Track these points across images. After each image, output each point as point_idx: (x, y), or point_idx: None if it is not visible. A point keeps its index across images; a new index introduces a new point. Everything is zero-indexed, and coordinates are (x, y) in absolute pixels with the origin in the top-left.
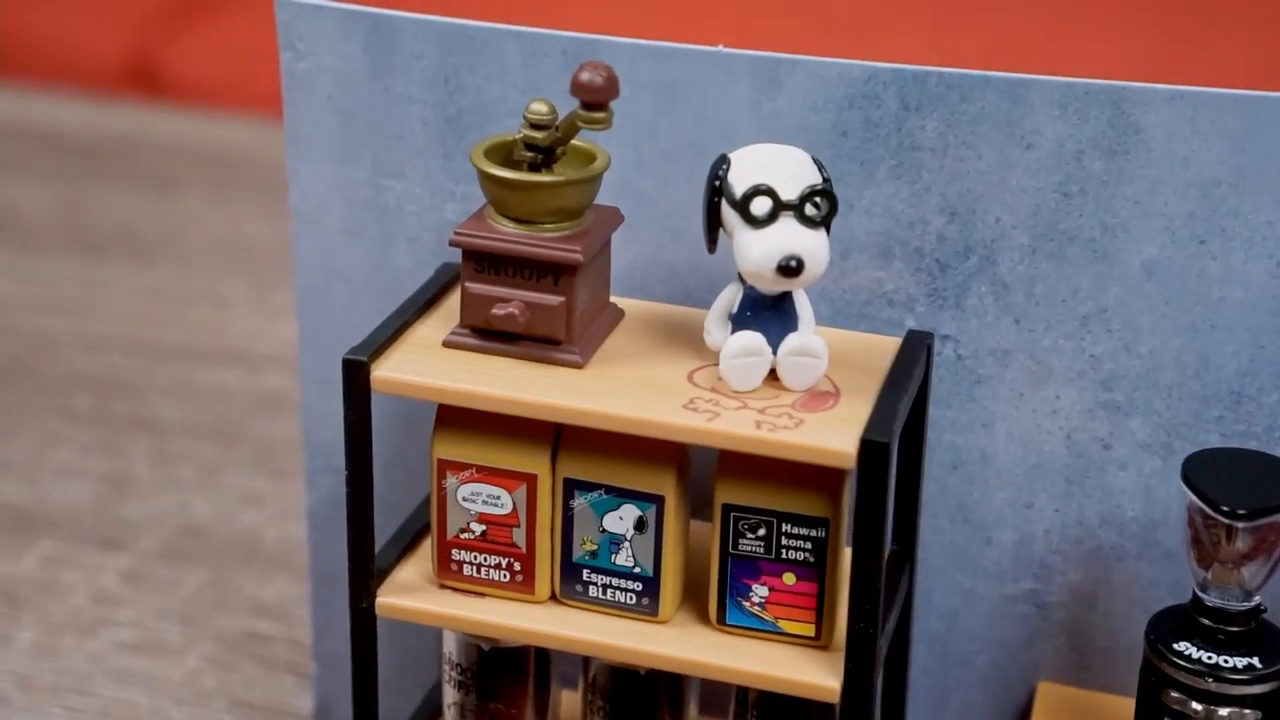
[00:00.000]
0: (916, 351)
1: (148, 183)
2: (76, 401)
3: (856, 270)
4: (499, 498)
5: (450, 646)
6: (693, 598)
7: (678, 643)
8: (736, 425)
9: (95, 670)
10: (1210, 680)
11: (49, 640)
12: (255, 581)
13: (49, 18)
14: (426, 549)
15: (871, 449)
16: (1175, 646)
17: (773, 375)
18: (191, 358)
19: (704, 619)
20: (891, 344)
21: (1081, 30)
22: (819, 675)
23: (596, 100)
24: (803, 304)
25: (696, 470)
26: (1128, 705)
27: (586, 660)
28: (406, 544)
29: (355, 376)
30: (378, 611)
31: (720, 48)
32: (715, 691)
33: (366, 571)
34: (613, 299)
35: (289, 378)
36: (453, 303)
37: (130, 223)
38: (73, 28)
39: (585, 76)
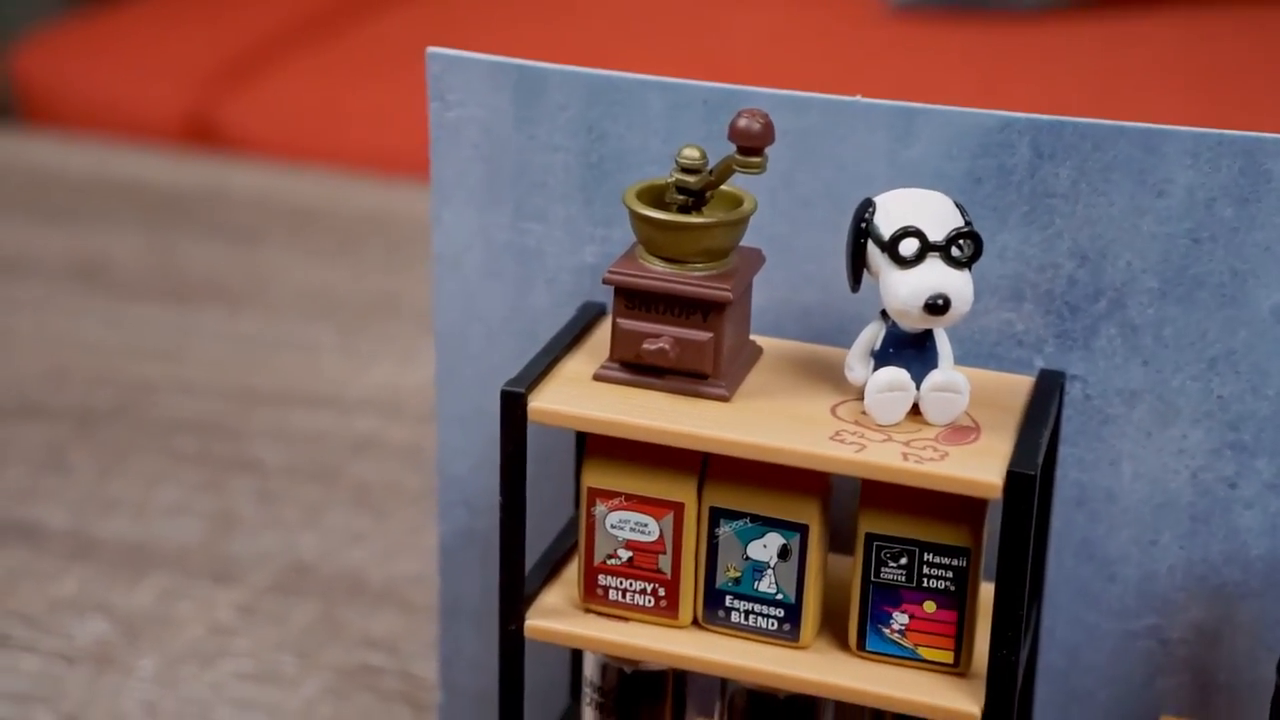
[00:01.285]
0: (1050, 390)
1: (229, 233)
2: (178, 444)
3: (988, 312)
4: (646, 525)
5: (591, 670)
6: (831, 626)
7: (819, 667)
8: (884, 457)
9: (217, 699)
10: None
11: (170, 670)
12: (363, 616)
13: (109, 73)
14: (568, 576)
15: (1017, 480)
16: None
17: (914, 411)
18: (285, 402)
19: (843, 645)
20: (1025, 383)
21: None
22: (960, 701)
23: (753, 145)
24: (943, 342)
25: (833, 500)
26: None
27: (724, 685)
28: (549, 571)
29: (513, 408)
30: (526, 634)
31: (858, 98)
32: (850, 715)
33: (517, 596)
34: (751, 337)
35: (381, 420)
36: (597, 340)
37: (216, 272)
38: (132, 83)
39: (743, 123)
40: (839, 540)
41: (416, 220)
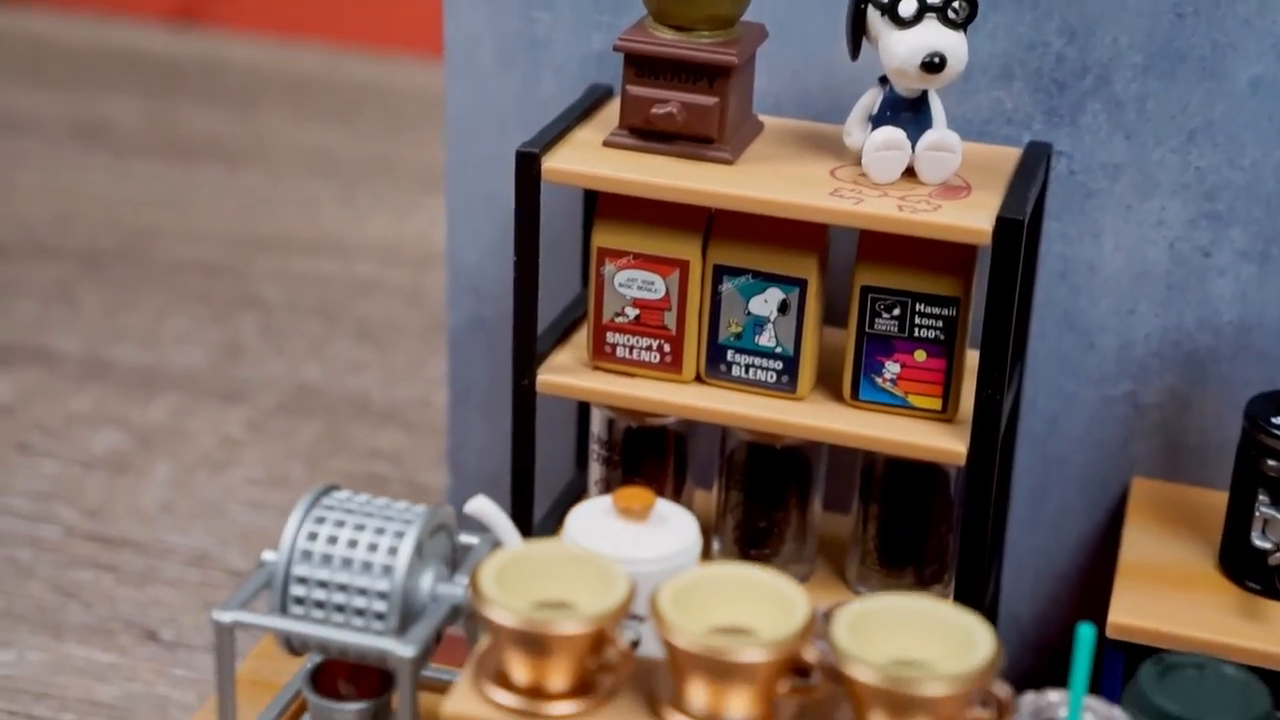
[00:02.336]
0: (1038, 159)
1: (227, 100)
2: (184, 282)
3: (978, 91)
4: (653, 283)
5: (598, 427)
6: (826, 382)
7: (815, 415)
8: (881, 208)
9: (229, 500)
10: None
11: (184, 475)
12: (369, 433)
13: None
14: (577, 340)
15: (1006, 225)
16: (1274, 420)
17: (908, 173)
18: (287, 248)
19: (838, 397)
20: (1013, 153)
21: None
22: (947, 441)
23: None
24: (937, 106)
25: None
26: (1218, 497)
27: (724, 441)
28: (559, 336)
29: (528, 168)
30: (538, 389)
31: None
32: (841, 474)
33: (530, 353)
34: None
35: (381, 265)
36: (605, 115)
37: (215, 134)
38: None
39: None
40: (831, 312)
41: (413, 90)
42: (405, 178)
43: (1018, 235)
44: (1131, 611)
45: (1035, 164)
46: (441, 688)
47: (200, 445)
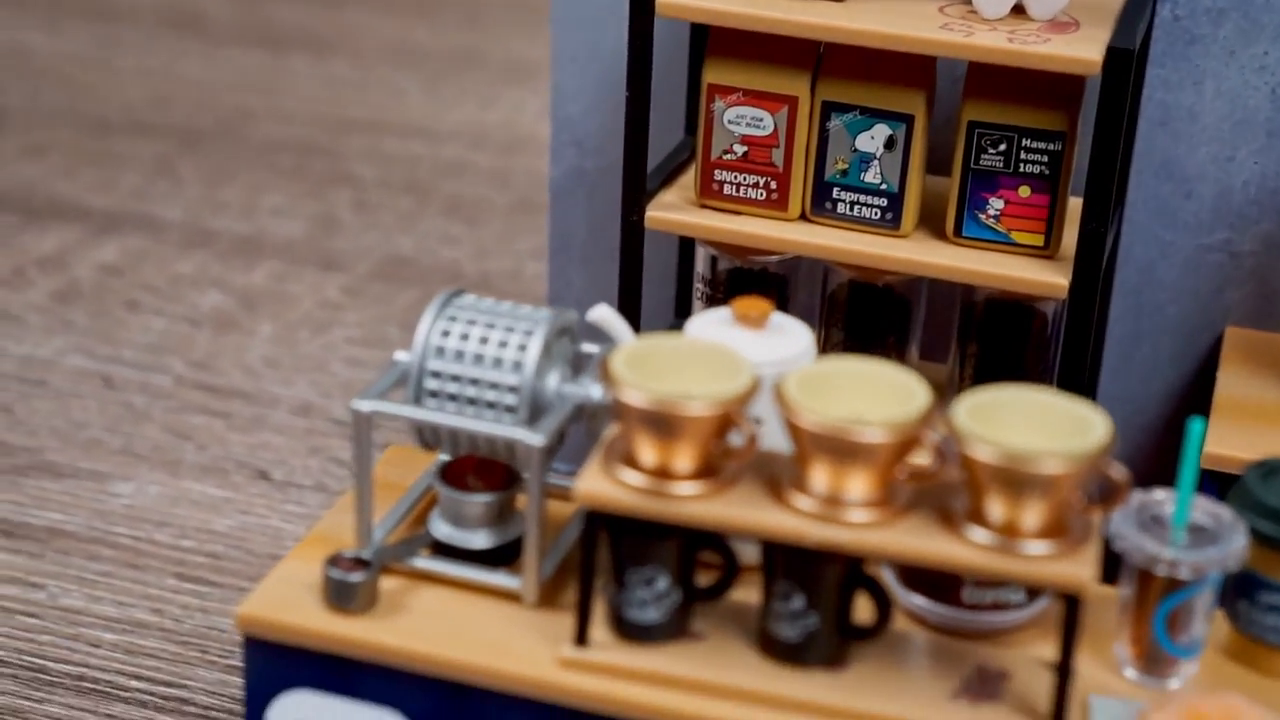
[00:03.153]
0: (1143, 1)
1: None
2: (278, 160)
3: None
4: (761, 120)
5: (702, 265)
6: (929, 223)
7: (919, 250)
8: (990, 40)
9: (330, 357)
10: None
11: (286, 333)
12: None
13: None
14: (683, 181)
15: (1117, 55)
16: None
17: (1017, 9)
18: (376, 130)
19: (941, 235)
20: None
21: None
22: (1049, 275)
23: None
24: None
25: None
26: None
27: (825, 281)
28: (666, 176)
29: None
30: (646, 224)
31: None
32: (939, 320)
33: (639, 188)
34: None
35: (468, 148)
36: None
37: (304, 25)
38: None
39: None
40: (930, 160)
41: None
42: (487, 69)
43: (1127, 65)
44: (1227, 443)
45: (1142, 4)
46: (562, 493)
47: (301, 307)
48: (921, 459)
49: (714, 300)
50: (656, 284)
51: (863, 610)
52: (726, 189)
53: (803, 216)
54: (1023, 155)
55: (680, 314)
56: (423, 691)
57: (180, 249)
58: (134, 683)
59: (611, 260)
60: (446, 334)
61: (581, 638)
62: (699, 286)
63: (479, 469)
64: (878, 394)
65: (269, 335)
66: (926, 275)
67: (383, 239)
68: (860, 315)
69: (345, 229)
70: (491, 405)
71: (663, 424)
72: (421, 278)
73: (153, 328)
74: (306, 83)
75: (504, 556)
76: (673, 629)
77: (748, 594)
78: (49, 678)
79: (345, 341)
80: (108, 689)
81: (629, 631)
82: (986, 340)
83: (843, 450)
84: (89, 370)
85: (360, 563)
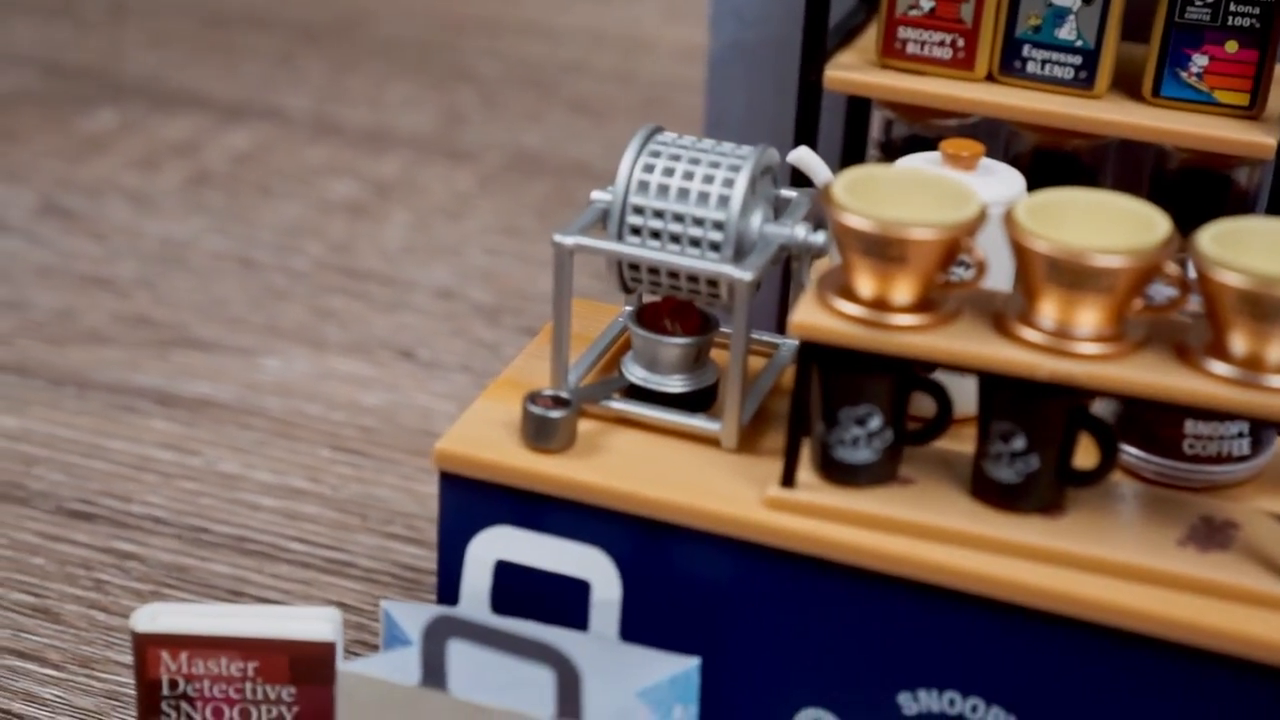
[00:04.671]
0: None
1: None
2: (399, 55)
3: None
4: None
5: (877, 130)
6: (1124, 83)
7: (1115, 110)
8: None
9: (466, 244)
10: None
11: (422, 221)
12: (594, 190)
13: None
14: (860, 44)
15: None
16: None
17: None
18: (495, 29)
19: (1136, 95)
20: None
21: None
22: (1256, 134)
23: None
24: None
25: None
26: None
27: (1008, 145)
28: (844, 36)
29: None
30: (825, 85)
31: None
32: (1127, 186)
33: (819, 47)
34: None
35: (587, 48)
36: None
37: None
38: None
39: None
40: (1126, 23)
41: None
42: None
43: None
44: None
45: None
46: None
47: (434, 196)
48: (1159, 290)
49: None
50: (821, 156)
51: (1081, 455)
52: (910, 47)
53: (989, 77)
54: (1232, 7)
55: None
56: (624, 530)
57: (308, 138)
58: (295, 545)
59: (769, 136)
60: (650, 169)
61: (789, 478)
62: (873, 153)
63: (675, 313)
64: (1113, 223)
65: (403, 222)
66: (1122, 136)
67: (509, 133)
68: (1045, 182)
69: (471, 123)
70: (696, 242)
71: (886, 251)
72: (553, 171)
73: (287, 212)
74: None
75: (698, 402)
76: (883, 471)
77: (955, 441)
78: (211, 538)
79: (480, 230)
80: (270, 550)
81: (838, 472)
82: (1179, 209)
83: (1078, 278)
84: (227, 251)
85: (559, 400)
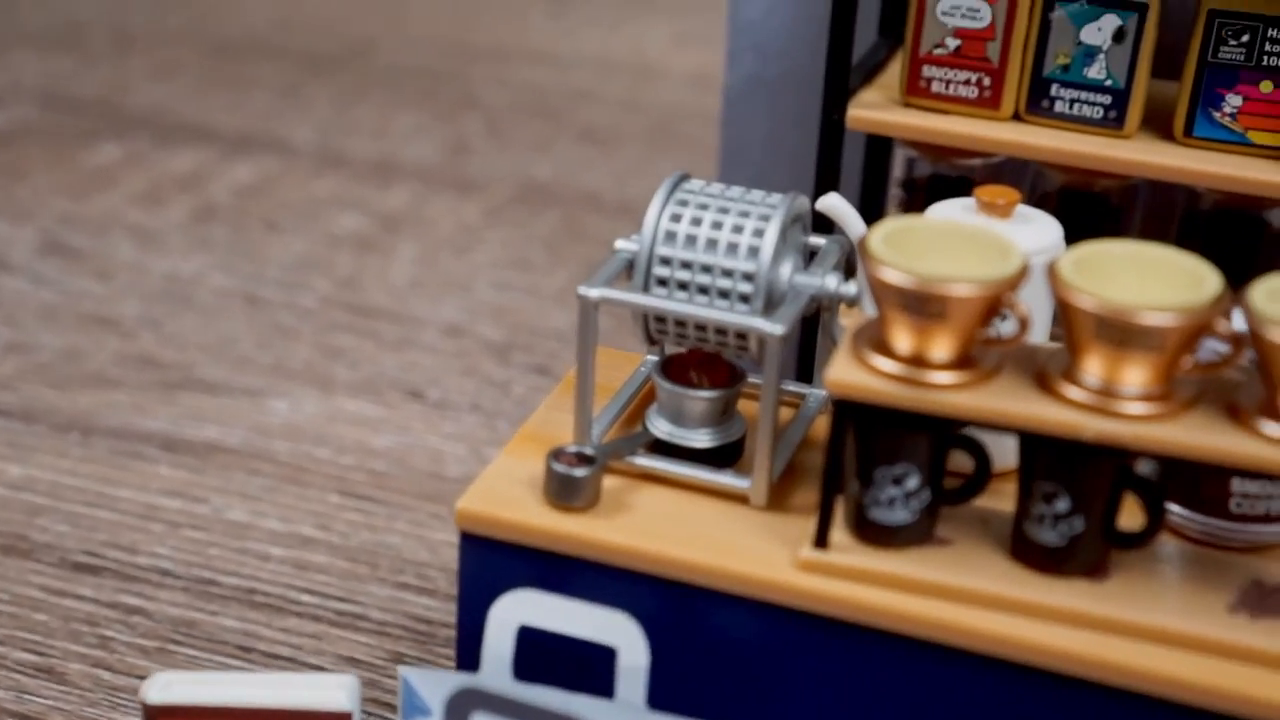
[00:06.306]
0: None
1: None
2: (405, 84)
3: None
4: (978, 10)
5: (899, 170)
6: (1154, 123)
7: (1145, 151)
8: None
9: (476, 279)
10: None
11: (429, 255)
12: (605, 224)
13: None
14: (886, 81)
15: None
16: None
17: None
18: (502, 57)
19: (1167, 135)
20: None
21: None
22: None
23: None
24: None
25: None
26: None
27: (1035, 185)
28: (868, 74)
29: None
30: (848, 125)
31: None
32: (1156, 228)
33: (842, 87)
34: None
35: (596, 76)
36: None
37: None
38: None
39: None
40: (1156, 61)
41: None
42: None
43: None
44: None
45: None
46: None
47: (441, 230)
48: (1209, 349)
49: (911, 207)
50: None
51: (1126, 515)
52: (935, 86)
53: (1016, 116)
54: (1267, 47)
55: (869, 221)
56: (651, 592)
57: (314, 170)
58: (305, 597)
59: (788, 172)
60: (677, 219)
61: (822, 538)
62: (895, 192)
63: (701, 365)
64: (1161, 278)
65: (411, 257)
66: (1152, 178)
67: (518, 164)
68: (1073, 223)
69: (479, 153)
70: (725, 294)
71: (926, 307)
72: (560, 202)
73: (293, 247)
74: (427, 9)
75: (725, 457)
76: (920, 531)
77: (993, 499)
78: (219, 591)
79: (489, 264)
80: (279, 603)
81: (873, 533)
82: (1211, 252)
83: (1126, 336)
84: (233, 288)
85: (584, 457)
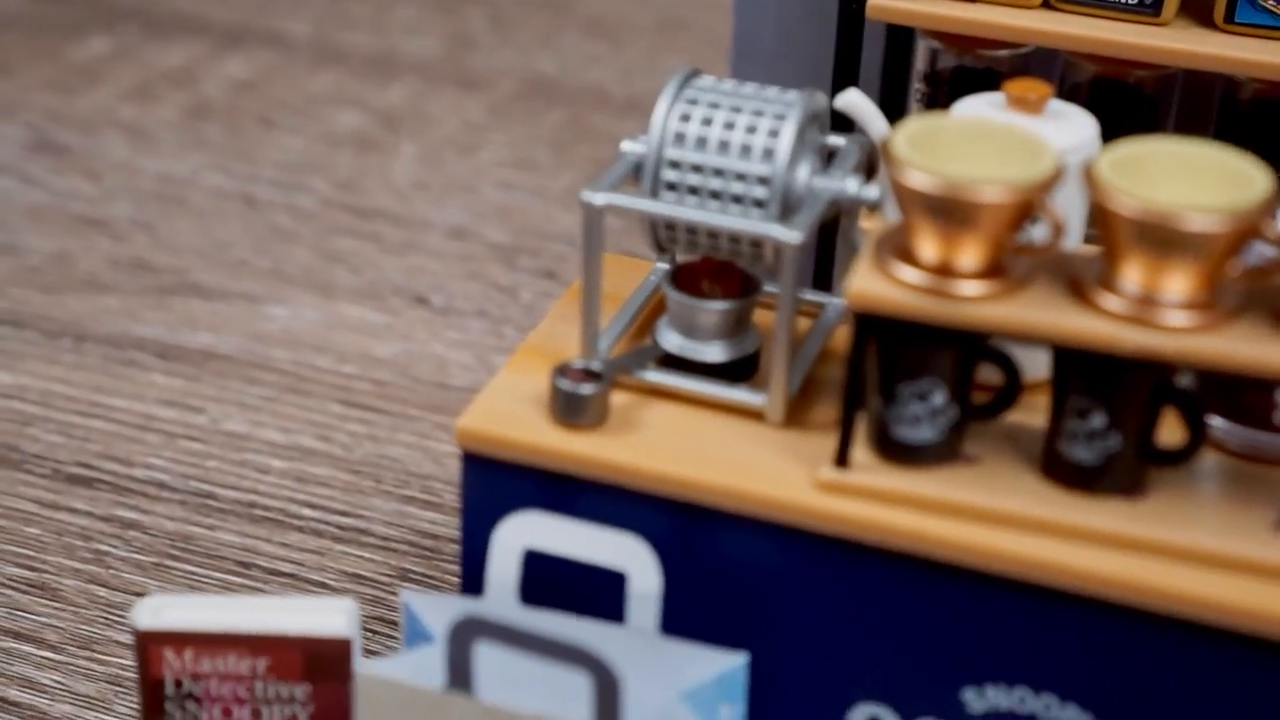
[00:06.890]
0: None
1: None
2: None
3: None
4: None
5: (922, 63)
6: (1191, 10)
7: (1183, 38)
8: None
9: (480, 180)
10: None
11: (431, 154)
12: (613, 122)
13: None
14: None
15: None
16: None
17: None
18: None
19: (1206, 22)
20: None
21: None
22: None
23: None
24: None
25: None
26: None
27: (1065, 76)
28: None
29: None
30: (868, 15)
31: None
32: (1195, 116)
33: None
34: None
35: None
36: None
37: None
38: None
39: None
40: None
41: None
42: None
43: None
44: None
45: None
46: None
47: (444, 128)
48: (1256, 253)
49: (935, 102)
50: (860, 89)
51: (1165, 431)
52: None
53: (1046, 3)
54: None
55: (890, 118)
56: (663, 514)
57: (311, 65)
58: (307, 511)
59: (803, 66)
60: (686, 119)
61: (843, 458)
62: (918, 87)
63: (714, 274)
64: (1205, 178)
65: (413, 156)
66: (1190, 67)
67: (522, 58)
68: (1105, 117)
69: (482, 47)
70: (738, 199)
71: (952, 212)
72: (566, 98)
73: (290, 147)
74: None
75: (739, 371)
76: (946, 449)
77: (1024, 413)
78: (218, 504)
79: (493, 164)
80: (280, 517)
81: (896, 452)
82: (1251, 144)
83: (1169, 241)
84: (228, 189)
85: (590, 374)
